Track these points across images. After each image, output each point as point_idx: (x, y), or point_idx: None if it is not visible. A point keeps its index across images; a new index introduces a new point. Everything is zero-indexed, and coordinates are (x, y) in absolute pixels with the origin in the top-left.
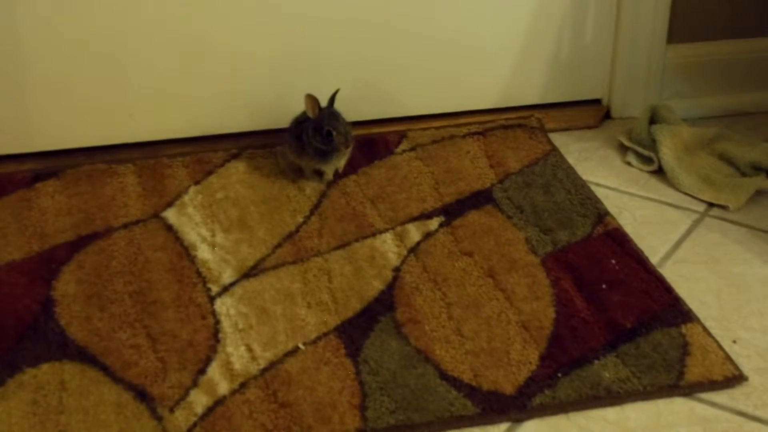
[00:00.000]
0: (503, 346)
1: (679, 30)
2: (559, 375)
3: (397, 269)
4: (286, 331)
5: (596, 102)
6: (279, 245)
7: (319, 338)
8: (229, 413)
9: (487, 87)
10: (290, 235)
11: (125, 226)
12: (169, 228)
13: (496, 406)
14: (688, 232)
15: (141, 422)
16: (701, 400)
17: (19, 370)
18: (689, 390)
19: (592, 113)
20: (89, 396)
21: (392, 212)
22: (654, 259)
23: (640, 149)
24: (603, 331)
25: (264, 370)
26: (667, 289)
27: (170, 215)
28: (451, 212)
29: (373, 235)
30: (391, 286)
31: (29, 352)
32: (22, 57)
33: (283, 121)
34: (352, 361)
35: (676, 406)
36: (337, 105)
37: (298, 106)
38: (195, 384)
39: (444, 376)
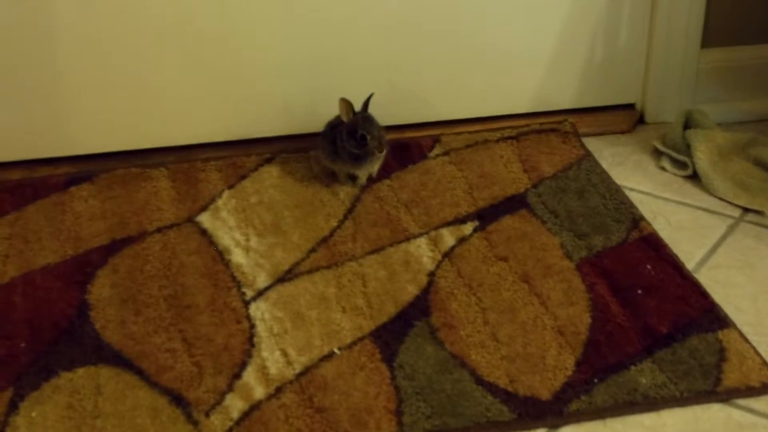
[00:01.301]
0: (539, 351)
1: (714, 34)
2: (596, 380)
3: (431, 274)
4: (321, 336)
5: (630, 107)
6: (313, 250)
7: (354, 343)
8: (265, 418)
9: (521, 91)
10: (324, 240)
11: (159, 230)
12: (203, 232)
13: (532, 411)
14: (724, 238)
15: (177, 427)
16: (738, 407)
17: (54, 374)
18: (726, 396)
19: (625, 118)
20: (125, 400)
21: (426, 217)
22: (689, 265)
23: (674, 154)
24: (639, 337)
25: (299, 375)
26: (703, 295)
27: (204, 219)
28: (485, 217)
29: (408, 239)
30: (426, 291)
31: (64, 356)
32: (56, 62)
33: (317, 125)
34: (388, 366)
35: (713, 413)
36: (371, 109)
37: (332, 111)
38: (231, 388)
39: (480, 381)
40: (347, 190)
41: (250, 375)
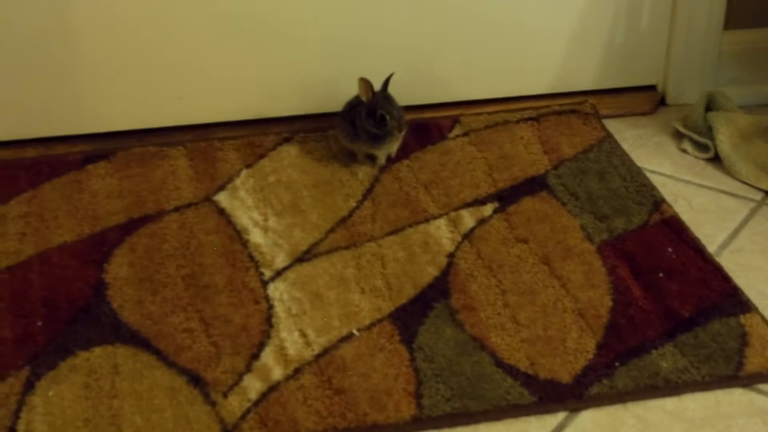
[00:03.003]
0: (560, 334)
1: (737, 15)
2: (617, 364)
3: (451, 255)
4: (340, 317)
5: (651, 88)
6: (332, 230)
7: (373, 324)
8: (283, 399)
9: (542, 72)
10: (343, 220)
11: (177, 209)
12: (221, 211)
13: (552, 395)
14: (746, 221)
15: (194, 407)
16: (760, 392)
17: (71, 353)
18: (748, 381)
19: (646, 99)
20: (142, 380)
21: (446, 198)
22: (711, 248)
23: (696, 136)
24: (660, 320)
25: (318, 356)
26: (725, 278)
27: (222, 198)
28: (505, 198)
29: (427, 220)
30: (445, 273)
31: (81, 336)
32: (75, 39)
33: (336, 104)
34: (407, 348)
35: (735, 397)
36: (390, 89)
37: (351, 90)
38: (249, 369)
39: (500, 364)
40: (366, 170)
41: (268, 356)
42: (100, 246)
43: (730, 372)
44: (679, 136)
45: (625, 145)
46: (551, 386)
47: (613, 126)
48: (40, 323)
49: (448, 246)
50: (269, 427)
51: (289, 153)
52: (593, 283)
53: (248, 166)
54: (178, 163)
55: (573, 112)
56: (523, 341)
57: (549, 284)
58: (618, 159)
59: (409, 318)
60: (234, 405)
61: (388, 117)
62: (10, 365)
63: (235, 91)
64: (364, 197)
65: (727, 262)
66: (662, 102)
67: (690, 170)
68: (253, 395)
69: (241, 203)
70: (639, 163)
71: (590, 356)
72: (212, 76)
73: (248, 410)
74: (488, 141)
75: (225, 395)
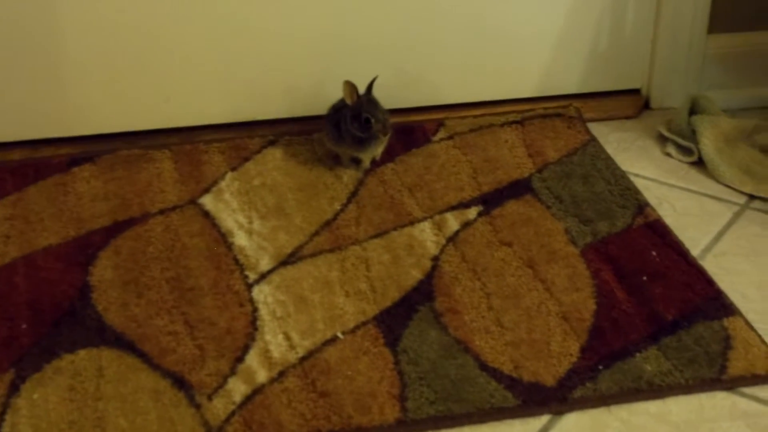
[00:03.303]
0: (544, 337)
1: (720, 20)
2: (601, 367)
3: (435, 258)
4: (325, 320)
5: (635, 92)
6: (316, 233)
7: (357, 327)
8: (267, 402)
9: (526, 76)
10: (328, 223)
11: (162, 212)
12: (206, 214)
13: (536, 398)
14: (729, 224)
15: (179, 410)
16: (744, 395)
17: (56, 355)
18: (732, 384)
19: (630, 103)
20: (127, 383)
21: (430, 201)
22: (695, 251)
23: (679, 140)
24: (644, 324)
25: (302, 359)
26: (709, 282)
27: (207, 201)
28: (489, 201)
29: (411, 223)
30: (429, 276)
31: (66, 338)
32: (60, 41)
33: (321, 107)
34: (391, 351)
35: (719, 401)
36: (375, 92)
37: (336, 93)
38: (233, 372)
39: (484, 366)
40: (351, 173)
41: (252, 358)
42: (84, 249)
43: (714, 375)
44: (663, 139)
45: (609, 149)
46: (535, 389)
47: (598, 129)
48: (24, 326)
49: (433, 249)
50: (253, 429)
51: (274, 156)
52: (577, 287)
53: (233, 169)
54: (164, 165)
55: (557, 115)
56: (507, 344)
57: (533, 287)
58: (602, 162)
59: (393, 321)
60: (218, 408)
61: (372, 120)
62: None
63: (220, 94)
64: (349, 200)
65: (711, 265)
66: (646, 106)
67: (674, 174)
68: (238, 398)
69: (225, 206)
70: (623, 167)
71: (574, 359)
72: (198, 79)
73: (233, 413)
74: (473, 144)
75: (209, 398)
